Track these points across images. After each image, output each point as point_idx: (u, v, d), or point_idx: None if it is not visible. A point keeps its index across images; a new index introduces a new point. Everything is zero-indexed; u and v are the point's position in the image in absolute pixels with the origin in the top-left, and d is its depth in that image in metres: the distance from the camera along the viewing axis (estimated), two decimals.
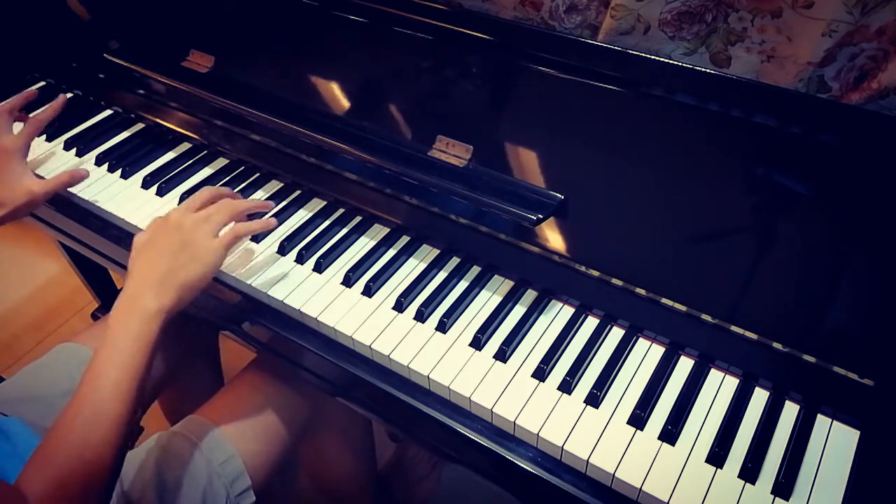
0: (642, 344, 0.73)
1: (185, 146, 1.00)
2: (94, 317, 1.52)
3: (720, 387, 0.69)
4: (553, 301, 0.77)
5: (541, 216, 0.73)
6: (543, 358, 0.71)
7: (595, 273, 0.74)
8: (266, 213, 0.84)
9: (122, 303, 0.67)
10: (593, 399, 0.67)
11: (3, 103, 0.93)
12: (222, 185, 0.93)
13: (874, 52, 0.67)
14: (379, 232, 0.86)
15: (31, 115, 0.95)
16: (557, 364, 0.71)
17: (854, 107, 0.68)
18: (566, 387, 0.68)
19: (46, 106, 0.95)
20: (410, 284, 0.78)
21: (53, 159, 1.00)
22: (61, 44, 1.14)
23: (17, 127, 0.94)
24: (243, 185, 0.93)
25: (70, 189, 0.94)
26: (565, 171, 0.76)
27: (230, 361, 1.27)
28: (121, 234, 0.91)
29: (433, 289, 0.78)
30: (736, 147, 0.69)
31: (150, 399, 0.97)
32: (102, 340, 0.65)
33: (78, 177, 0.89)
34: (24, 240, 1.91)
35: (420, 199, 0.82)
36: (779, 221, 0.67)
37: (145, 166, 0.97)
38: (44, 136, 1.05)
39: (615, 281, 0.73)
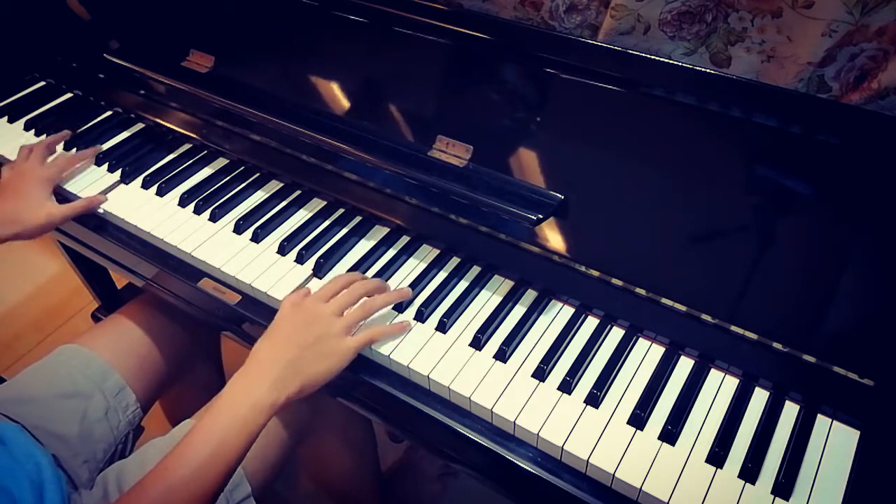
0: (642, 344, 0.73)
1: (186, 146, 1.00)
2: (95, 317, 1.52)
3: (720, 387, 0.69)
4: (553, 301, 0.77)
5: (541, 216, 0.73)
6: (543, 358, 0.71)
7: (595, 273, 0.73)
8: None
9: (236, 385, 0.65)
10: (593, 399, 0.67)
11: (43, 139, 1.00)
12: (222, 184, 0.93)
13: (874, 52, 0.67)
14: (379, 232, 0.86)
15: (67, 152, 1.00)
16: (557, 364, 0.71)
17: (854, 107, 0.68)
18: (566, 387, 0.68)
19: (84, 150, 0.99)
20: (410, 285, 0.78)
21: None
22: (61, 44, 1.14)
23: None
24: (243, 184, 0.93)
25: (71, 189, 0.94)
26: (565, 171, 0.76)
27: (231, 362, 1.27)
28: (120, 234, 0.91)
29: (433, 289, 0.78)
30: (736, 147, 0.69)
31: (150, 399, 0.97)
32: (206, 412, 0.62)
33: (96, 203, 0.91)
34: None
35: (420, 199, 0.82)
36: (779, 221, 0.67)
37: (145, 166, 0.97)
38: (44, 136, 1.05)
39: (615, 281, 0.73)
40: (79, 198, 0.93)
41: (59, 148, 1.01)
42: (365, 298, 0.72)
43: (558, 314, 0.76)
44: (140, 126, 1.05)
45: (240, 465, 0.62)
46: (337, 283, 0.73)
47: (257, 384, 0.64)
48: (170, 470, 0.59)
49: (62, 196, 0.95)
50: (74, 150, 1.00)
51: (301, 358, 0.66)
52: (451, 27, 0.80)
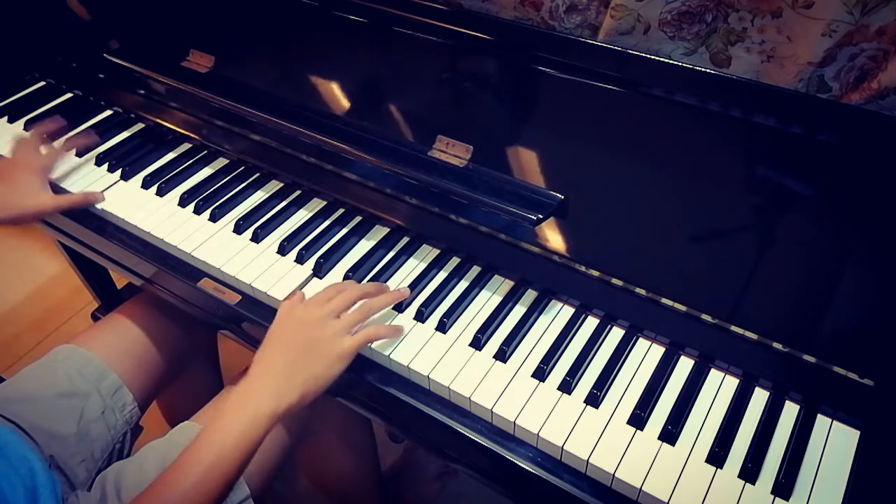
0: (642, 344, 0.73)
1: (185, 146, 1.00)
2: (94, 317, 1.52)
3: (720, 387, 0.69)
4: (553, 301, 0.77)
5: (541, 216, 0.73)
6: (543, 358, 0.71)
7: (595, 273, 0.73)
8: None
9: (237, 394, 0.64)
10: (593, 399, 0.67)
11: (37, 126, 0.99)
12: (222, 184, 0.93)
13: (874, 52, 0.67)
14: (379, 232, 0.86)
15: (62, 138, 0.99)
16: (557, 364, 0.71)
17: (854, 107, 0.68)
18: (566, 387, 0.68)
19: (76, 134, 0.99)
20: (410, 285, 0.78)
21: None
22: (61, 44, 1.14)
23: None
24: (243, 184, 0.93)
25: (71, 190, 0.94)
26: (565, 171, 0.76)
27: (229, 361, 1.27)
28: (120, 234, 0.91)
29: (433, 289, 0.78)
30: (736, 147, 0.69)
31: (148, 399, 0.96)
32: (207, 425, 0.62)
33: (92, 199, 0.91)
34: (24, 240, 1.91)
35: (420, 199, 0.82)
36: (779, 221, 0.67)
37: (145, 166, 0.97)
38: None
39: (615, 281, 0.73)
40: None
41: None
42: (362, 301, 0.72)
43: (558, 314, 0.76)
44: (140, 126, 1.05)
45: (241, 475, 0.62)
46: (331, 289, 0.73)
47: (255, 395, 0.64)
48: (168, 485, 0.59)
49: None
50: (74, 150, 1.00)
51: (298, 364, 0.65)
52: (450, 27, 0.80)
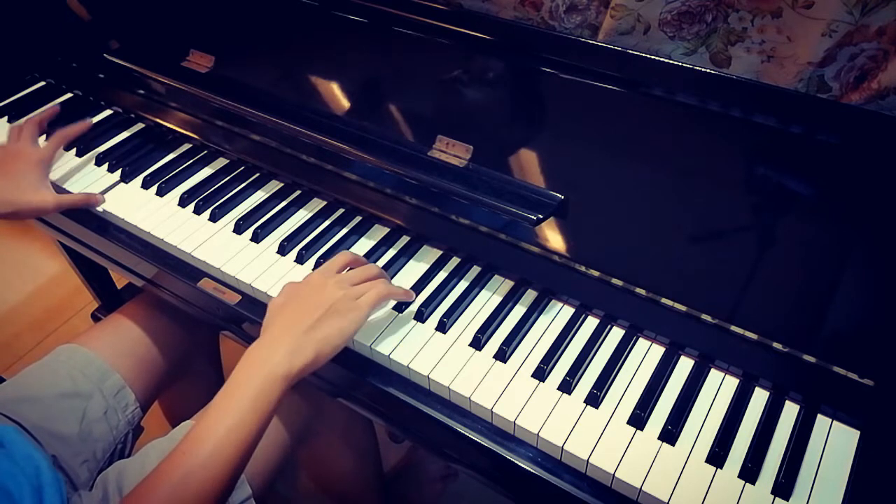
0: (642, 344, 0.73)
1: (185, 146, 1.00)
2: (95, 317, 1.52)
3: (720, 387, 0.69)
4: (553, 301, 0.77)
5: (541, 216, 0.73)
6: (543, 358, 0.71)
7: (595, 273, 0.74)
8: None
9: (249, 358, 0.63)
10: (593, 399, 0.67)
11: (32, 115, 0.96)
12: (222, 184, 0.93)
13: (874, 52, 0.67)
14: (379, 232, 0.86)
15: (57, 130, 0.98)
16: (557, 364, 0.71)
17: (854, 107, 0.68)
18: (566, 387, 0.68)
19: (74, 124, 0.97)
20: (411, 285, 0.78)
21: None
22: (61, 44, 1.14)
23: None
24: (243, 184, 0.93)
25: (71, 190, 0.94)
26: (565, 171, 0.76)
27: (231, 361, 1.27)
28: (120, 234, 0.91)
29: (433, 289, 0.78)
30: (736, 147, 0.69)
31: (150, 399, 0.97)
32: (220, 392, 0.61)
33: (93, 201, 0.90)
34: (24, 240, 1.91)
35: (420, 200, 0.82)
36: (779, 221, 0.67)
37: (145, 166, 0.97)
38: (43, 136, 1.05)
39: (615, 281, 0.73)
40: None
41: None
42: (378, 272, 0.73)
43: (558, 314, 0.76)
44: (140, 126, 1.05)
45: (258, 443, 0.61)
46: (342, 258, 0.73)
47: (269, 356, 0.63)
48: (186, 454, 0.57)
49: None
50: (74, 150, 1.00)
51: (314, 323, 0.65)
52: (450, 27, 0.80)
